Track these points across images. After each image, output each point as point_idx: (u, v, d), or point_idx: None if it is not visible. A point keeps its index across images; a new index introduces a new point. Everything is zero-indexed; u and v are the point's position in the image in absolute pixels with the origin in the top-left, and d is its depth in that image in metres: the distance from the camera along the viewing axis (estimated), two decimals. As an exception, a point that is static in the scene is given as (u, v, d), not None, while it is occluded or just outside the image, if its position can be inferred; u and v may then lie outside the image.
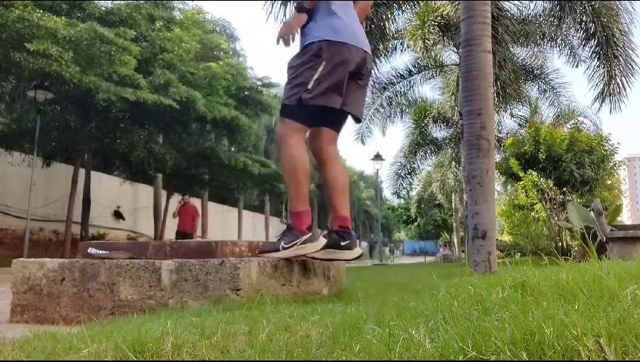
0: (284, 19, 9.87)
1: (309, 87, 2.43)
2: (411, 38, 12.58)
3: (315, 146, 2.68)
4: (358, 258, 2.67)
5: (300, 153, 2.50)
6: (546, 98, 16.05)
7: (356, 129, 17.10)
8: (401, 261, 31.93)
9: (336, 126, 2.70)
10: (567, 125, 14.48)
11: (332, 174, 2.65)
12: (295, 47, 2.65)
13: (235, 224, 29.75)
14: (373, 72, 13.29)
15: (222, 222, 28.36)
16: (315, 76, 2.42)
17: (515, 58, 13.49)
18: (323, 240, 2.51)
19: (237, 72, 17.50)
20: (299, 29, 2.64)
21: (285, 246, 2.49)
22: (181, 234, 12.74)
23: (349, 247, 2.56)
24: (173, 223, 14.21)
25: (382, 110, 17.07)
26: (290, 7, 9.56)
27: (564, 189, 11.20)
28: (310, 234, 2.48)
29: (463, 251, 22.66)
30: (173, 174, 18.92)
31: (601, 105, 10.93)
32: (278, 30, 2.63)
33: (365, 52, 2.57)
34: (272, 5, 9.86)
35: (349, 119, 2.74)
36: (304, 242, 2.46)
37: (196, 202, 25.21)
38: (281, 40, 2.61)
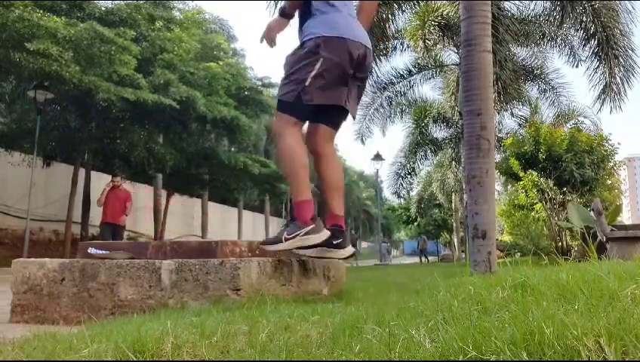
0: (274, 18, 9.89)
1: (307, 83, 2.40)
2: (411, 38, 12.58)
3: (312, 143, 2.65)
4: (349, 257, 2.65)
5: (297, 145, 2.48)
6: (546, 98, 16.06)
7: (356, 129, 17.12)
8: (401, 261, 31.93)
9: (334, 123, 2.66)
10: (567, 125, 14.47)
11: (327, 171, 2.62)
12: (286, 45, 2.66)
13: (235, 224, 29.76)
14: (373, 72, 13.30)
15: (222, 222, 28.37)
16: (313, 73, 2.39)
17: (515, 58, 13.49)
18: (327, 232, 2.46)
19: (237, 72, 17.51)
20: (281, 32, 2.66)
21: (288, 236, 2.43)
22: (108, 226, 9.43)
23: (341, 246, 2.54)
24: (174, 223, 14.07)
25: (382, 110, 17.09)
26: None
27: (564, 189, 11.19)
28: (313, 225, 2.42)
29: (463, 251, 22.65)
30: (173, 174, 18.92)
31: (601, 105, 10.95)
32: (262, 31, 2.64)
33: (365, 46, 2.52)
34: (276, 5, 9.86)
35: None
36: (307, 233, 2.41)
37: (196, 202, 25.37)
38: (264, 40, 2.62)
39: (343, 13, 2.52)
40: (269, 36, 2.60)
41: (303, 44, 2.51)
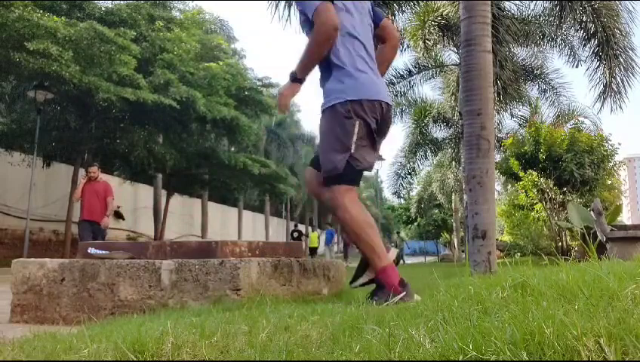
0: (286, 20, 9.86)
1: (352, 150, 2.38)
2: (411, 38, 12.59)
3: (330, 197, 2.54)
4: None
5: (360, 212, 2.42)
6: (546, 98, 16.07)
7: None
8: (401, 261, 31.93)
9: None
10: (568, 125, 14.46)
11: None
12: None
13: (235, 224, 29.77)
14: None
15: (222, 222, 28.38)
16: (354, 138, 2.38)
17: (515, 58, 13.50)
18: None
19: (237, 72, 17.50)
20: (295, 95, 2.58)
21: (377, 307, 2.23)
22: (87, 224, 8.21)
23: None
24: (174, 223, 13.96)
25: (382, 110, 17.05)
26: (294, 8, 9.53)
27: (564, 189, 11.19)
28: (404, 291, 2.29)
29: (463, 251, 22.66)
30: (173, 174, 18.93)
31: (601, 105, 10.93)
32: (277, 100, 2.60)
33: (387, 104, 2.51)
34: (277, 6, 9.85)
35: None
36: (402, 299, 2.24)
37: (196, 202, 25.38)
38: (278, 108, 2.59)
39: (364, 70, 2.48)
40: (283, 103, 2.54)
41: (332, 107, 2.44)
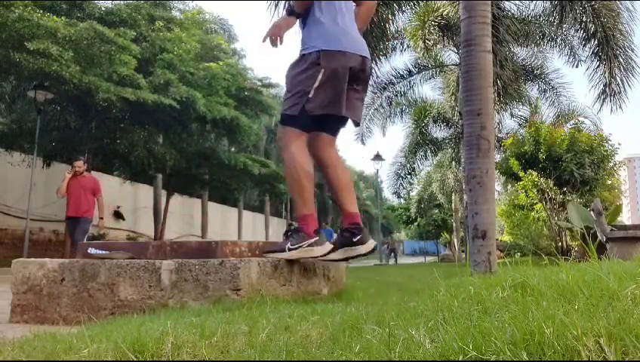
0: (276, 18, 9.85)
1: (310, 95, 2.46)
2: (411, 38, 12.58)
3: (315, 151, 2.71)
4: (373, 250, 2.69)
5: (303, 159, 2.54)
6: (546, 98, 16.06)
7: (356, 129, 17.10)
8: (401, 261, 31.93)
9: (335, 131, 2.75)
10: (568, 125, 14.46)
11: (334, 174, 2.69)
12: (287, 50, 2.68)
13: (235, 224, 29.76)
14: (373, 71, 13.29)
15: (222, 222, 28.37)
16: (315, 85, 2.46)
17: (515, 58, 13.49)
18: (329, 245, 2.54)
19: (237, 72, 17.50)
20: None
21: (292, 247, 2.51)
22: (72, 221, 7.68)
23: (362, 242, 2.60)
24: (174, 223, 13.92)
25: (382, 110, 17.08)
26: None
27: (564, 189, 11.19)
28: (317, 237, 2.51)
29: (463, 251, 22.65)
30: (173, 174, 18.92)
31: (601, 105, 10.93)
32: (267, 30, 2.64)
33: (363, 57, 2.58)
34: (277, 5, 9.84)
35: (349, 122, 2.77)
36: (311, 245, 2.49)
37: (196, 202, 25.40)
38: (267, 39, 2.63)
39: (340, 24, 2.57)
40: (276, 34, 2.61)
41: (302, 56, 2.55)
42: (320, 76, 2.46)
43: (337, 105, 2.54)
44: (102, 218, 7.97)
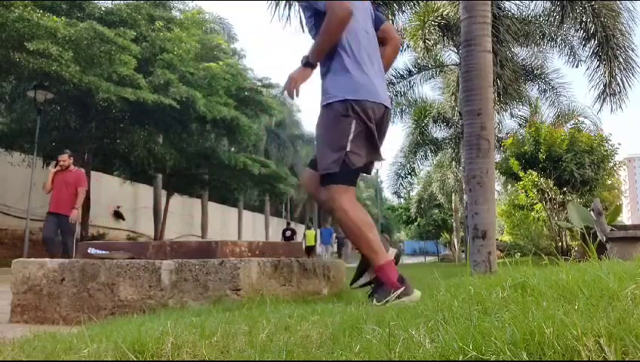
0: (286, 20, 9.83)
1: (348, 148, 2.37)
2: (411, 38, 12.58)
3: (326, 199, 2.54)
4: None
5: (357, 212, 2.41)
6: (546, 98, 16.06)
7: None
8: (401, 261, 31.91)
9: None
10: (567, 125, 14.46)
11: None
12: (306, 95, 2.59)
13: (235, 224, 29.76)
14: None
15: (222, 222, 28.37)
16: (350, 137, 2.38)
17: (515, 58, 13.49)
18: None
19: (237, 72, 17.50)
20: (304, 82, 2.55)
21: (378, 304, 2.23)
22: (53, 217, 7.36)
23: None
24: (174, 223, 13.89)
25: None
26: (295, 8, 9.50)
27: (564, 189, 11.19)
28: (402, 287, 2.30)
29: (463, 251, 22.66)
30: (173, 174, 18.92)
31: (601, 105, 10.92)
32: (284, 83, 2.56)
33: (386, 107, 2.52)
34: (277, 6, 9.83)
35: None
36: (399, 297, 2.27)
37: (196, 202, 25.38)
38: (286, 92, 2.54)
39: (366, 71, 2.47)
40: (292, 88, 2.50)
41: (328, 105, 2.45)
42: (353, 127, 2.38)
43: (376, 153, 2.51)
44: (75, 208, 7.43)
